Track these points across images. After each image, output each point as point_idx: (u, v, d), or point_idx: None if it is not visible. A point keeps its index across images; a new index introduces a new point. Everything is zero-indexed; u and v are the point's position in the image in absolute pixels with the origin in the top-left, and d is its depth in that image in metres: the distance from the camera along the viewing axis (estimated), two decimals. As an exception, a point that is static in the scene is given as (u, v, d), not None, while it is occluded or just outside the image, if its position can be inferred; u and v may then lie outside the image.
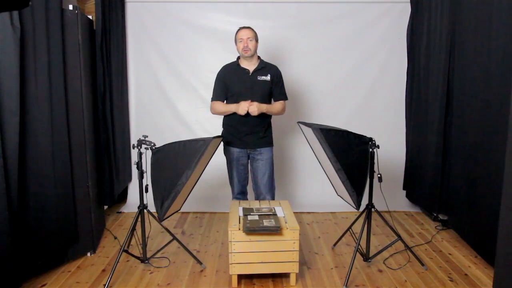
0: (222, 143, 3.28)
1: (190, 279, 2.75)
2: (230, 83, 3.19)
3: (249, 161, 3.34)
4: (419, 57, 3.86)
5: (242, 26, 3.18)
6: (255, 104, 3.08)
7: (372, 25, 4.15)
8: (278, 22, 4.15)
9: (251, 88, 3.15)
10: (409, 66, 4.10)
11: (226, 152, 3.33)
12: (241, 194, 3.37)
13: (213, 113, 3.31)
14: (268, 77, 3.18)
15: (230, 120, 3.25)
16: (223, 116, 3.32)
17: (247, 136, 3.22)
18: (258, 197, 3.36)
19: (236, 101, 3.16)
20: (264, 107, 3.15)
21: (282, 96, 3.30)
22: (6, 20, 2.27)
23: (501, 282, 1.88)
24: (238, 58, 3.25)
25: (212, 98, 3.27)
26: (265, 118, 3.24)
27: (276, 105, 3.27)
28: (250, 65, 3.18)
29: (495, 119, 2.64)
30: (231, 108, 3.15)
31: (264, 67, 3.20)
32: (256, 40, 3.15)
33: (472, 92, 2.96)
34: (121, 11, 4.03)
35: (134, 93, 4.28)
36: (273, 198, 3.35)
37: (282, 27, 4.15)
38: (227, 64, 3.29)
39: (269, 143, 3.30)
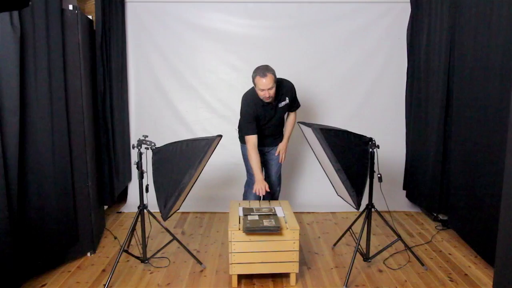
0: (242, 143, 3.38)
1: (190, 279, 2.75)
2: (259, 117, 3.21)
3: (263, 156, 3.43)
4: (419, 57, 3.86)
5: (262, 72, 2.97)
6: (282, 152, 3.39)
7: (372, 25, 4.15)
8: (278, 22, 4.15)
9: (274, 116, 3.26)
10: (409, 66, 4.10)
11: (246, 150, 3.34)
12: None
13: (248, 147, 3.18)
14: (287, 100, 3.24)
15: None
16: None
17: (267, 138, 3.36)
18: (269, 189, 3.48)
19: (258, 127, 3.21)
20: (286, 142, 3.41)
21: (296, 106, 3.41)
22: (6, 20, 2.27)
23: (501, 282, 1.88)
24: (255, 91, 3.16)
25: (248, 133, 3.16)
26: (281, 127, 3.45)
27: (291, 124, 3.42)
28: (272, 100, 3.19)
29: (495, 119, 2.64)
30: (256, 174, 3.12)
31: (283, 93, 3.19)
32: (275, 82, 3.04)
33: (472, 92, 2.96)
34: (121, 11, 4.03)
35: (134, 93, 4.28)
36: (279, 191, 3.56)
37: (282, 27, 4.16)
38: (251, 99, 3.16)
39: (281, 140, 3.45)
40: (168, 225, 3.65)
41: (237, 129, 3.47)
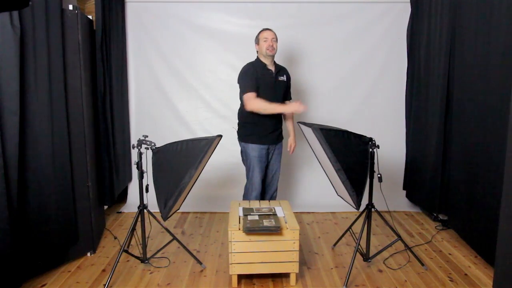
0: (246, 142, 3.34)
1: (190, 279, 2.75)
2: (259, 82, 3.20)
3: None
4: (419, 57, 3.86)
5: (265, 27, 3.27)
6: (294, 145, 3.53)
7: (372, 25, 4.15)
8: (278, 22, 4.14)
9: (274, 88, 3.27)
10: (409, 66, 4.10)
11: (251, 150, 3.31)
12: (259, 195, 3.37)
13: (252, 108, 3.13)
14: (284, 78, 3.36)
15: (259, 119, 3.24)
16: (243, 116, 3.31)
17: (272, 133, 3.34)
18: (268, 190, 3.47)
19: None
20: (294, 134, 3.55)
21: (290, 96, 3.53)
22: (6, 20, 2.27)
23: (501, 282, 1.88)
24: (257, 58, 3.30)
25: (248, 90, 3.13)
26: (280, 116, 3.42)
27: (290, 116, 3.54)
28: (271, 66, 3.29)
29: (495, 119, 2.64)
30: (279, 108, 3.19)
31: (281, 68, 3.37)
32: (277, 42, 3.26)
33: (472, 92, 2.96)
34: (121, 11, 4.03)
35: (134, 93, 4.28)
36: (276, 191, 3.53)
37: (282, 27, 4.13)
38: (253, 63, 3.29)
39: (282, 138, 3.48)
40: (168, 225, 3.65)
41: (235, 127, 3.45)
